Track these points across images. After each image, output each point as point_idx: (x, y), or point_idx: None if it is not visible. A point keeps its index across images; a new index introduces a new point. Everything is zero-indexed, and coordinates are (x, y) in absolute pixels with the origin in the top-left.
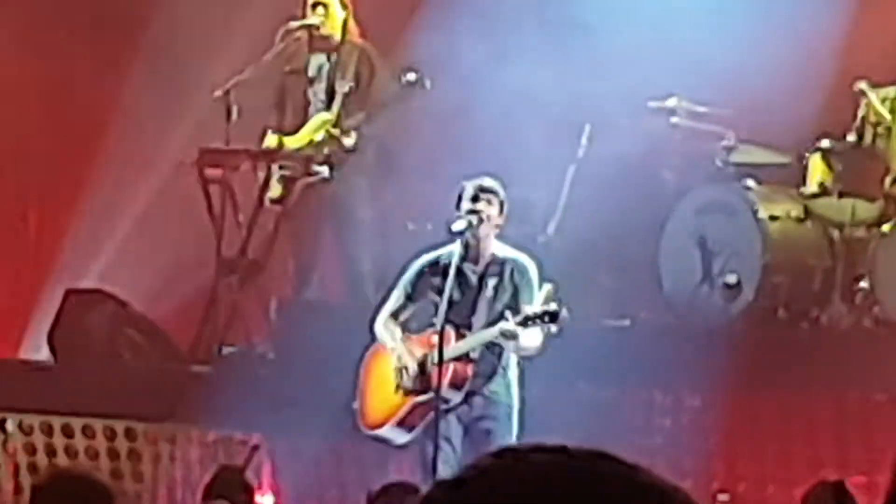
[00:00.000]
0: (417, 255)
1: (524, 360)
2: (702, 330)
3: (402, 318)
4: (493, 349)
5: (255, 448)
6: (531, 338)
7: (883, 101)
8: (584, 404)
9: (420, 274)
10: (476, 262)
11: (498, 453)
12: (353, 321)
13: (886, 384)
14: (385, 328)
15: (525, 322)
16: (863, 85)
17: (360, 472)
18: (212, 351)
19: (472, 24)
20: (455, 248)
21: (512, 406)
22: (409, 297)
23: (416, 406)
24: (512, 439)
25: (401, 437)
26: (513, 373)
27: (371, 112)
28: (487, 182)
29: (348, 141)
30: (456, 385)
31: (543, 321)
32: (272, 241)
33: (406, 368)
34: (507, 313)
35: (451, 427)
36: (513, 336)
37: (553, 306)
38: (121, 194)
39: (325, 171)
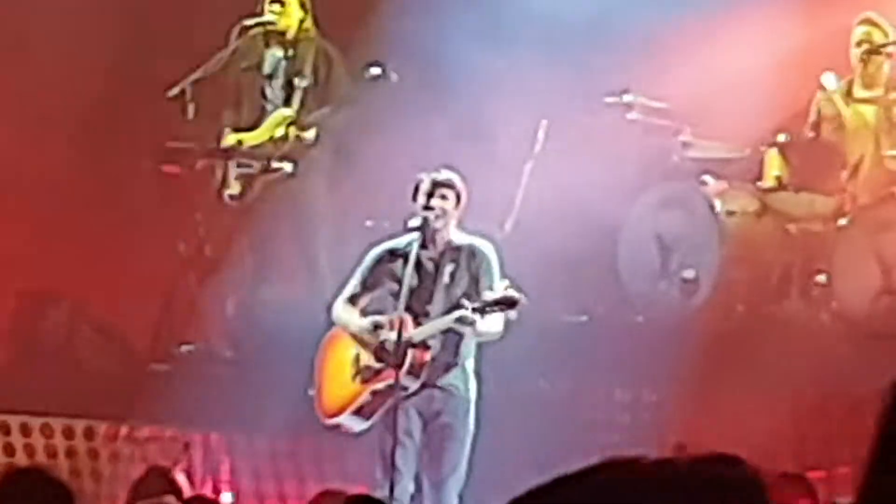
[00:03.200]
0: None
1: (483, 354)
2: (660, 325)
3: (360, 305)
4: (452, 340)
5: (187, 446)
6: (491, 323)
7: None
8: (543, 400)
9: (377, 261)
10: (434, 250)
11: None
12: (311, 319)
13: (843, 379)
14: (344, 310)
15: (482, 309)
16: (826, 81)
17: (317, 466)
18: (170, 349)
19: (427, 23)
20: (413, 237)
21: (470, 401)
22: (366, 285)
23: (373, 394)
24: (469, 435)
25: (358, 426)
26: (471, 366)
27: (333, 107)
28: (443, 175)
29: (308, 135)
30: (413, 372)
31: (501, 308)
32: (230, 238)
33: (367, 347)
34: (464, 301)
35: (412, 421)
36: (470, 323)
37: (510, 292)
38: (76, 193)
39: (287, 166)
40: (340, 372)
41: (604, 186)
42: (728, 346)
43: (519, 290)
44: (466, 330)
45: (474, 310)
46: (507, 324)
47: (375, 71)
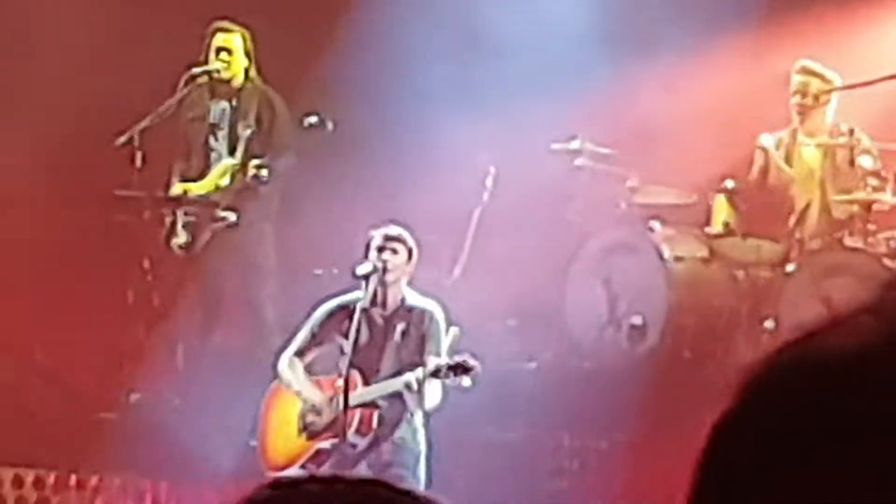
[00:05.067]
0: (325, 300)
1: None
2: (608, 372)
3: (307, 358)
4: (400, 396)
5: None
6: (428, 397)
7: (778, 146)
8: (492, 448)
9: (328, 316)
10: (384, 307)
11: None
12: (259, 368)
13: None
14: (289, 367)
15: (436, 373)
16: (764, 140)
17: None
18: (118, 398)
19: (375, 69)
20: (364, 293)
21: (420, 452)
22: (315, 339)
23: (319, 452)
24: (421, 486)
25: None
26: (419, 418)
27: (277, 155)
28: (394, 231)
29: (264, 172)
30: (361, 432)
31: (456, 374)
32: (178, 287)
33: (314, 408)
34: (416, 369)
35: (361, 472)
36: (417, 390)
37: (468, 359)
38: (23, 243)
39: (231, 216)
40: (286, 425)
41: (551, 232)
42: (676, 392)
43: (467, 338)
44: (411, 396)
45: (429, 374)
46: (445, 396)
47: (312, 120)
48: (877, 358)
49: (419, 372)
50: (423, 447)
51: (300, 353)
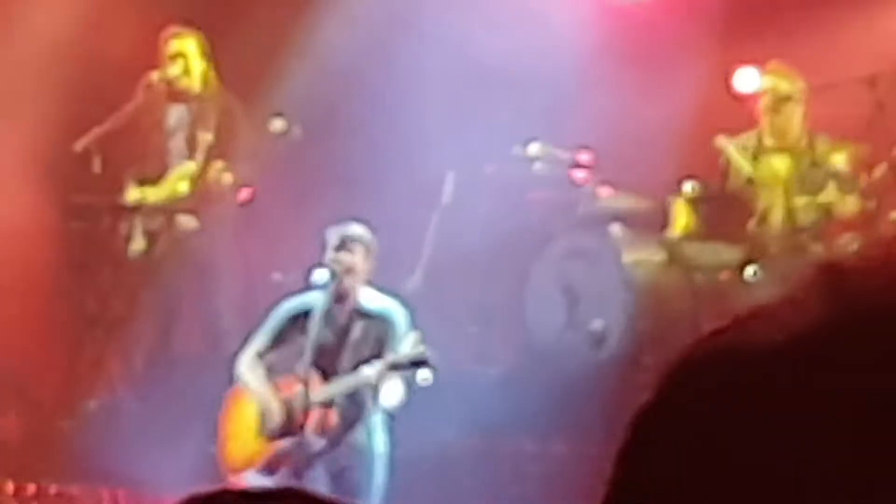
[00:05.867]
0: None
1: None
2: (569, 377)
3: (268, 360)
4: (358, 395)
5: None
6: (391, 394)
7: (743, 149)
8: (452, 453)
9: (288, 316)
10: (343, 306)
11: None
12: (217, 374)
13: None
14: (249, 369)
15: (394, 367)
16: (722, 140)
17: None
18: (77, 406)
19: (333, 75)
20: (323, 294)
21: (377, 455)
22: (275, 340)
23: (279, 452)
24: (379, 489)
25: (263, 483)
26: (378, 419)
27: (238, 160)
28: (352, 230)
29: (227, 177)
30: (320, 431)
31: (412, 367)
32: (136, 294)
33: (270, 411)
34: (374, 361)
35: (318, 477)
36: (375, 384)
37: (422, 351)
38: None
39: (190, 222)
40: (245, 429)
41: (511, 237)
42: (636, 397)
43: (427, 343)
44: (370, 394)
45: (387, 367)
46: (408, 394)
47: (279, 125)
48: (799, 346)
49: (377, 366)
50: (381, 450)
51: (260, 355)
